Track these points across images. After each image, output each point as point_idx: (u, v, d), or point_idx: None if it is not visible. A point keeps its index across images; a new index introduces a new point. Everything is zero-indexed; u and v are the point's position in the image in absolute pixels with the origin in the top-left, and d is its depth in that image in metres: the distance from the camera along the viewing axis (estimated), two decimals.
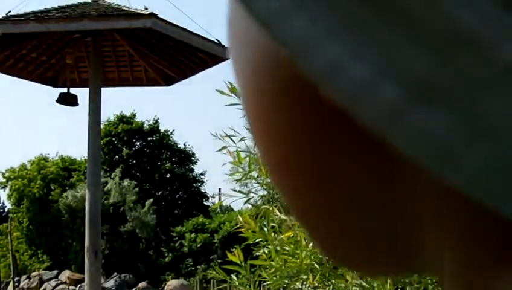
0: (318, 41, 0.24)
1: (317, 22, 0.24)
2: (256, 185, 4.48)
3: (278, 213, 3.95)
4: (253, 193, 4.54)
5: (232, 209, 44.20)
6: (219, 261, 34.17)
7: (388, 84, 0.24)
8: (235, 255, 4.15)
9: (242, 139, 4.04)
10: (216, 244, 35.47)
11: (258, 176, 4.19)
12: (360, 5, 0.24)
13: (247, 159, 4.09)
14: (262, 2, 0.26)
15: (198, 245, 36.12)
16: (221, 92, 4.02)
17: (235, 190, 4.74)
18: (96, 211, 12.73)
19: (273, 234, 3.86)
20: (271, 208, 4.03)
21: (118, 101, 73.50)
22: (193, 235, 36.72)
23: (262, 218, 4.05)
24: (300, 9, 0.25)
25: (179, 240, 37.73)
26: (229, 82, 3.95)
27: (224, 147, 4.15)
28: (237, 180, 4.25)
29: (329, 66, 0.24)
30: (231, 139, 4.09)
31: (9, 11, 11.76)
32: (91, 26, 12.05)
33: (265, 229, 3.88)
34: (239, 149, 4.12)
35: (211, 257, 34.93)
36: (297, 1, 0.25)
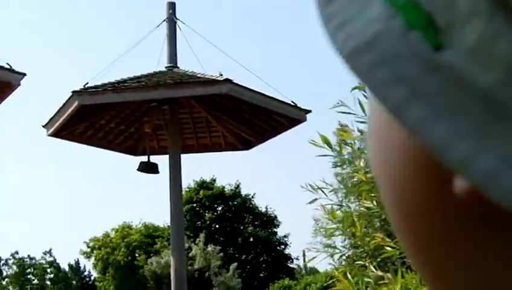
0: (475, 152, 0.28)
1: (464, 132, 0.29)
2: (341, 244, 4.35)
3: (374, 270, 3.81)
4: (339, 249, 4.41)
5: (318, 271, 43.75)
6: None
7: None
8: None
9: (333, 190, 3.95)
10: None
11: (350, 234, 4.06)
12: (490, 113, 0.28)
13: (339, 213, 3.99)
14: (412, 111, 0.30)
15: None
16: (314, 144, 3.95)
17: (318, 250, 4.62)
18: (182, 276, 12.67)
19: None
20: (367, 264, 3.88)
21: (197, 167, 74.19)
22: None
23: (355, 276, 3.91)
24: (444, 115, 0.29)
25: None
26: (321, 135, 3.88)
27: (315, 199, 4.06)
28: (329, 234, 4.13)
29: (488, 172, 0.28)
30: (322, 192, 4.00)
31: (87, 83, 11.94)
32: (168, 94, 12.14)
33: (359, 287, 3.74)
34: (330, 202, 4.02)
35: None
36: (440, 108, 0.29)
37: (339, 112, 4.04)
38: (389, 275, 3.77)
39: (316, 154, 4.00)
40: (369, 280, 3.76)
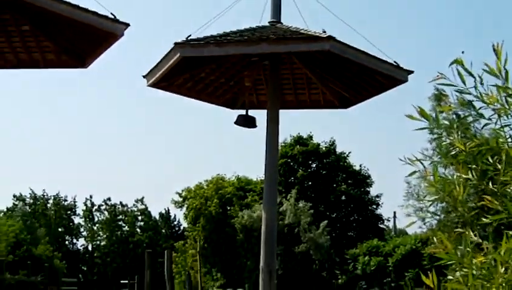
0: None
1: None
2: (432, 209, 4.37)
3: (474, 237, 3.82)
4: (431, 213, 4.42)
5: (406, 233, 43.46)
6: (393, 284, 33.64)
7: None
8: (429, 277, 4.01)
9: (433, 163, 3.96)
10: (390, 268, 34.93)
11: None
12: None
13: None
14: None
15: (372, 268, 35.69)
16: (411, 117, 3.97)
17: (409, 215, 4.64)
18: (272, 231, 12.80)
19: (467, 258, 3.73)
20: (467, 232, 3.88)
21: (294, 122, 74.22)
22: (367, 258, 36.32)
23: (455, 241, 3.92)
24: None
25: (352, 262, 37.44)
26: (419, 107, 3.90)
27: (414, 172, 4.09)
28: (431, 202, 4.14)
29: None
30: (421, 164, 4.02)
31: (189, 35, 12.06)
32: (269, 49, 12.16)
33: (459, 253, 3.75)
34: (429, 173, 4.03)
35: (384, 280, 34.47)
36: None
37: (439, 84, 4.06)
38: (486, 242, 3.77)
39: (413, 127, 4.03)
40: (468, 249, 3.77)
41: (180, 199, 51.20)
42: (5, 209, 68.18)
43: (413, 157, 4.13)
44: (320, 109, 15.96)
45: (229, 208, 44.98)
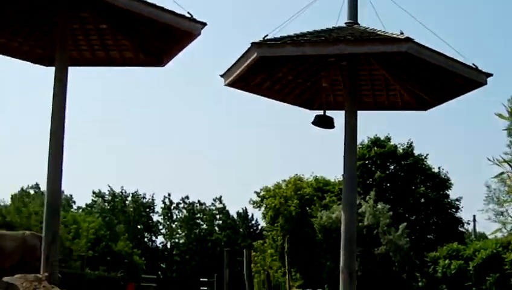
0: None
1: None
2: None
3: None
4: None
5: (486, 237, 42.67)
6: (474, 289, 33.03)
7: None
8: None
9: None
10: (471, 272, 34.30)
11: None
12: None
13: None
14: None
15: (453, 272, 35.10)
16: (501, 116, 3.90)
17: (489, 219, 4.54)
18: (352, 232, 12.75)
19: None
20: None
21: (371, 124, 73.69)
22: (447, 261, 35.74)
23: None
24: None
25: (432, 265, 36.90)
26: (510, 106, 3.83)
27: (502, 173, 4.03)
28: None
29: None
30: (510, 165, 3.95)
31: (266, 35, 12.09)
32: (347, 50, 12.10)
33: None
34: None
35: (466, 284, 33.88)
36: None
37: None
38: None
39: (500, 126, 3.95)
40: None
41: (258, 199, 51.36)
42: (85, 206, 69.58)
43: (500, 158, 4.06)
44: (398, 111, 15.80)
45: (308, 208, 44.88)
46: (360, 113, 13.64)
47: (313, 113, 14.61)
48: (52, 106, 18.31)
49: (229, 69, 12.96)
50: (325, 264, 40.54)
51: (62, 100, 15.09)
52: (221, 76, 13.25)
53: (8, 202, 51.71)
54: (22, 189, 64.34)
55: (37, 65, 16.49)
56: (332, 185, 47.52)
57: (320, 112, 14.46)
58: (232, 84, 13.47)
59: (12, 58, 16.19)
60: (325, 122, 14.37)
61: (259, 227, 69.78)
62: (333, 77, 14.55)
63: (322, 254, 41.30)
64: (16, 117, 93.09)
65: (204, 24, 12.40)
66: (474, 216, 51.77)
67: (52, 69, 15.06)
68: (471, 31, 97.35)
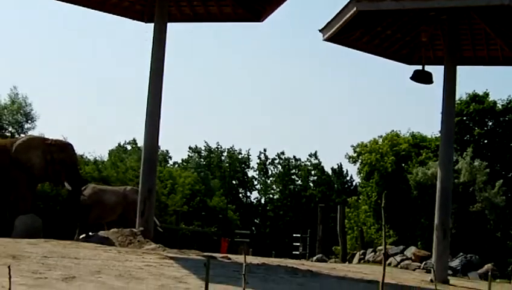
0: None
1: None
2: None
3: None
4: None
5: None
6: None
7: None
8: None
9: None
10: None
11: None
12: None
13: None
14: None
15: None
16: None
17: None
18: (448, 189, 12.71)
19: None
20: None
21: (469, 79, 72.17)
22: None
23: None
24: None
25: None
26: None
27: None
28: None
29: None
30: None
31: None
32: (447, 4, 11.95)
33: None
34: None
35: None
36: None
37: None
38: None
39: None
40: None
41: (355, 154, 51.17)
42: (180, 161, 70.73)
43: None
44: (499, 66, 15.53)
45: (403, 165, 44.52)
46: (459, 68, 13.49)
47: (411, 68, 14.52)
48: (151, 63, 18.74)
49: (327, 24, 12.98)
50: (419, 221, 40.29)
51: (161, 58, 15.40)
52: (320, 31, 13.29)
53: (106, 157, 52.95)
54: (119, 144, 65.80)
55: (135, 21, 16.79)
56: (428, 141, 46.97)
57: (419, 67, 14.36)
58: (330, 39, 13.51)
59: (110, 14, 16.54)
60: (423, 78, 14.27)
61: (354, 183, 69.62)
62: (433, 31, 14.39)
63: (417, 211, 41.03)
64: (113, 71, 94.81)
65: None
66: None
67: (151, 25, 15.35)
68: None
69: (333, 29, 12.94)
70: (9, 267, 5.29)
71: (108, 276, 12.88)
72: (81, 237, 19.67)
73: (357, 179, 61.81)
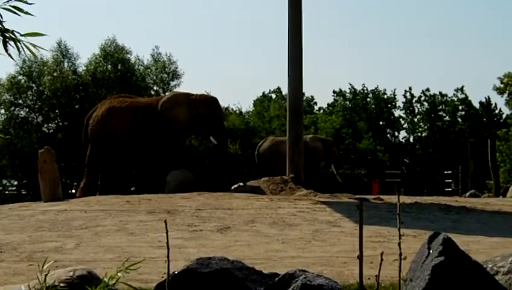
0: None
1: None
2: None
3: None
4: None
5: None
6: None
7: None
8: None
9: None
10: None
11: None
12: None
13: None
14: None
15: None
16: None
17: None
18: None
19: None
20: None
21: None
22: None
23: None
24: None
25: None
26: None
27: None
28: None
29: None
30: None
31: None
32: None
33: None
34: None
35: None
36: None
37: None
38: None
39: None
40: None
41: (502, 86, 49.52)
42: (326, 106, 70.61)
43: None
44: None
45: None
46: None
47: None
48: (289, 8, 18.63)
49: None
50: None
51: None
52: None
53: (251, 107, 53.54)
54: (263, 94, 66.34)
55: None
56: None
57: None
58: None
59: None
60: None
61: (503, 116, 67.44)
62: None
63: None
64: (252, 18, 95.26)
65: None
66: None
67: None
68: None
69: None
70: (165, 221, 5.39)
71: (262, 224, 13.07)
72: (232, 187, 20.02)
73: (506, 111, 59.78)
